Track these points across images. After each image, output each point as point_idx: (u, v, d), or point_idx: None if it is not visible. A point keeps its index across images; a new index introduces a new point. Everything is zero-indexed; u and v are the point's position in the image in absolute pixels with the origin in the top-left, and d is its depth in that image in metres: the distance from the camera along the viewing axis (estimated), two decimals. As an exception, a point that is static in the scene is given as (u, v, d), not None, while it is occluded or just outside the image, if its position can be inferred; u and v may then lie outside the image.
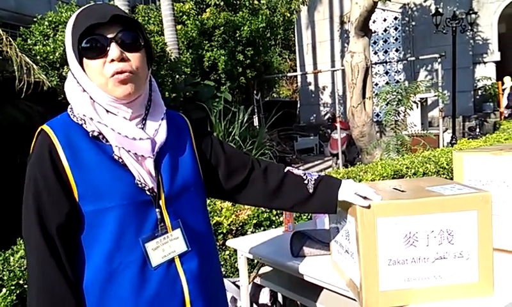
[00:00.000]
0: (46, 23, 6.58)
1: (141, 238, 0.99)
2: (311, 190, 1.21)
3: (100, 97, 1.00)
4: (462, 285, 1.19)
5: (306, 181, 1.22)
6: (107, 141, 1.00)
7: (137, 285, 0.99)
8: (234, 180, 1.22)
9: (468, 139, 6.74)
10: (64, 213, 0.97)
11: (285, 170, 1.25)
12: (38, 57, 5.82)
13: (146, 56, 1.05)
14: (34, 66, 4.73)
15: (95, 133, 1.00)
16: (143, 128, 1.04)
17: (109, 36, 0.97)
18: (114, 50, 0.97)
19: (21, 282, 1.74)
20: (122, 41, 0.98)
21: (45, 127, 1.00)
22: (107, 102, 1.00)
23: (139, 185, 0.99)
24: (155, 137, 1.05)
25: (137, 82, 1.01)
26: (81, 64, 0.99)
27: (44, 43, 6.28)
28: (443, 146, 7.54)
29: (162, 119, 1.09)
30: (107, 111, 1.01)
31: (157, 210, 1.02)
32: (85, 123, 1.00)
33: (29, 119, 4.93)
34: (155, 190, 1.02)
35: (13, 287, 1.71)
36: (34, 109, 5.06)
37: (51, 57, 5.99)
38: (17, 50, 4.68)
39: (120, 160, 1.00)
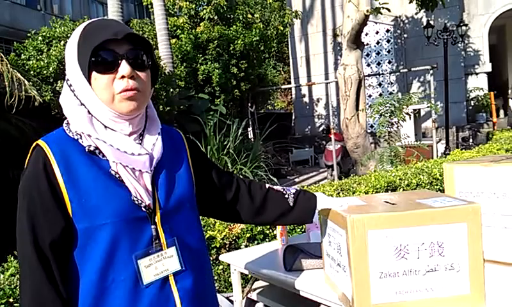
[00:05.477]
0: (40, 38, 6.60)
1: (134, 254, 0.98)
2: (291, 203, 1.30)
3: (101, 112, 0.99)
4: (454, 297, 1.19)
5: (286, 196, 1.30)
6: (103, 156, 0.99)
7: (129, 303, 0.97)
8: (224, 198, 1.25)
9: (462, 149, 6.78)
10: (58, 230, 0.96)
11: (267, 187, 1.32)
12: (32, 72, 5.82)
13: (152, 75, 1.07)
14: (26, 81, 4.71)
15: (91, 148, 0.99)
16: (140, 144, 1.04)
17: (121, 52, 0.98)
18: (125, 67, 0.98)
19: (11, 300, 1.71)
20: (132, 59, 0.99)
21: (41, 142, 0.99)
22: (109, 116, 1.00)
23: (136, 202, 0.99)
24: (153, 152, 1.05)
25: (142, 100, 1.02)
26: (88, 77, 0.99)
27: (38, 58, 6.29)
28: (437, 157, 7.59)
29: (158, 133, 1.09)
30: (105, 127, 1.01)
31: (153, 226, 1.01)
32: (81, 138, 0.99)
33: (21, 133, 4.91)
34: (152, 206, 1.01)
35: (2, 305, 1.69)
36: (26, 123, 5.04)
37: (45, 72, 6.00)
38: (8, 65, 4.67)
39: (117, 176, 0.99)
